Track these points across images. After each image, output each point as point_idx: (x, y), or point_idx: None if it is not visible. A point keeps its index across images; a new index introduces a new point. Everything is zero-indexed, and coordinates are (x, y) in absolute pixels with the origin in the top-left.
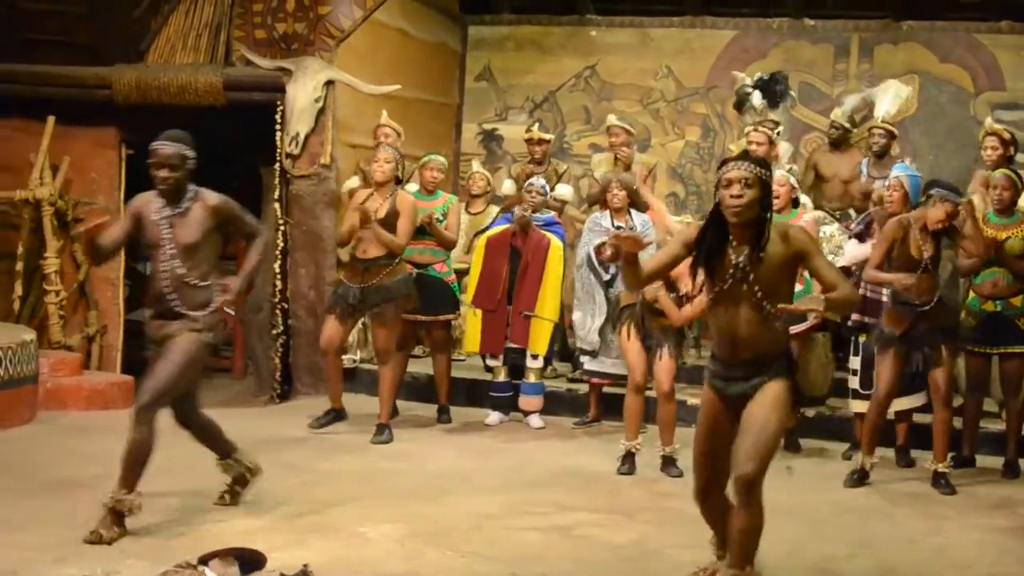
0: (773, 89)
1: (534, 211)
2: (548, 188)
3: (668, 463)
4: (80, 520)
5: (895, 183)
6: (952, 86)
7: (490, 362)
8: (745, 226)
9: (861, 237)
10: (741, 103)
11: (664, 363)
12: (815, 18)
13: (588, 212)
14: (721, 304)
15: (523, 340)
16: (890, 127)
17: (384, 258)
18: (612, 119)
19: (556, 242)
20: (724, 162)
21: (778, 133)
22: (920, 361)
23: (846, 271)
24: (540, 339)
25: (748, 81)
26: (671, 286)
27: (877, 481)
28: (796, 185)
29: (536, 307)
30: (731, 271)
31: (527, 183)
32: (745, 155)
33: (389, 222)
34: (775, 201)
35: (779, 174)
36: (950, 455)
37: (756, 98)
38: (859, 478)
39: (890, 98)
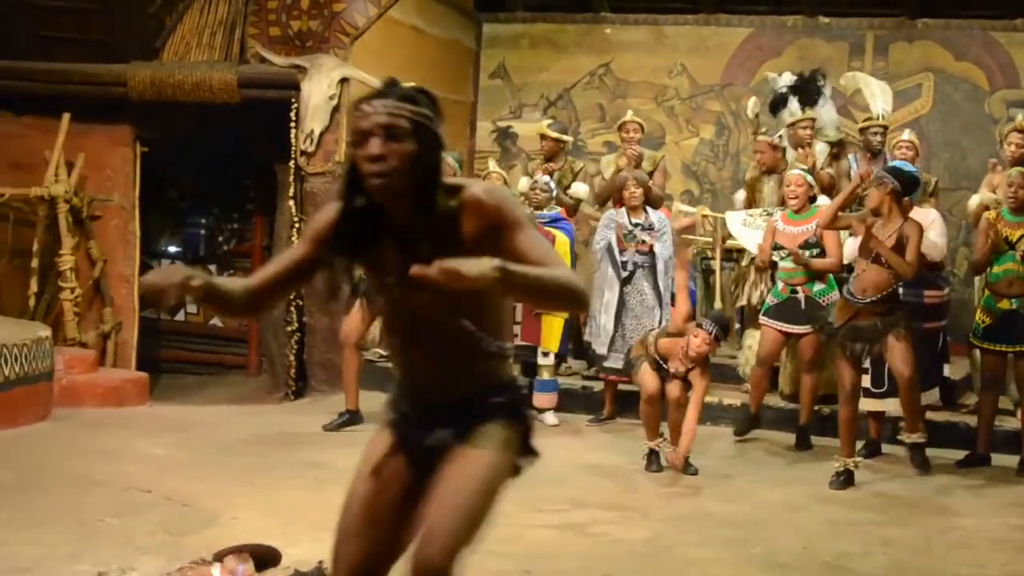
0: (810, 88)
1: (538, 208)
2: (554, 185)
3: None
4: (95, 516)
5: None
6: (967, 84)
7: None
8: (400, 200)
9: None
10: (776, 105)
11: (674, 383)
12: (830, 16)
13: (602, 210)
14: (394, 322)
15: (535, 338)
16: (886, 123)
17: None
18: (630, 114)
19: (561, 237)
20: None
21: (779, 136)
22: (862, 352)
23: (849, 269)
24: (551, 336)
25: (785, 82)
26: (657, 364)
27: (891, 480)
28: (813, 184)
29: None
30: (393, 271)
31: (532, 180)
32: (390, 87)
33: None
34: (792, 202)
35: (796, 173)
36: (966, 453)
37: (752, 105)
38: (845, 480)
39: (880, 94)
